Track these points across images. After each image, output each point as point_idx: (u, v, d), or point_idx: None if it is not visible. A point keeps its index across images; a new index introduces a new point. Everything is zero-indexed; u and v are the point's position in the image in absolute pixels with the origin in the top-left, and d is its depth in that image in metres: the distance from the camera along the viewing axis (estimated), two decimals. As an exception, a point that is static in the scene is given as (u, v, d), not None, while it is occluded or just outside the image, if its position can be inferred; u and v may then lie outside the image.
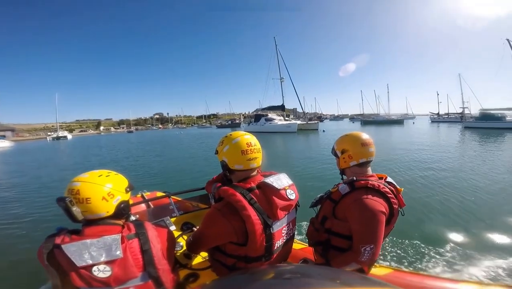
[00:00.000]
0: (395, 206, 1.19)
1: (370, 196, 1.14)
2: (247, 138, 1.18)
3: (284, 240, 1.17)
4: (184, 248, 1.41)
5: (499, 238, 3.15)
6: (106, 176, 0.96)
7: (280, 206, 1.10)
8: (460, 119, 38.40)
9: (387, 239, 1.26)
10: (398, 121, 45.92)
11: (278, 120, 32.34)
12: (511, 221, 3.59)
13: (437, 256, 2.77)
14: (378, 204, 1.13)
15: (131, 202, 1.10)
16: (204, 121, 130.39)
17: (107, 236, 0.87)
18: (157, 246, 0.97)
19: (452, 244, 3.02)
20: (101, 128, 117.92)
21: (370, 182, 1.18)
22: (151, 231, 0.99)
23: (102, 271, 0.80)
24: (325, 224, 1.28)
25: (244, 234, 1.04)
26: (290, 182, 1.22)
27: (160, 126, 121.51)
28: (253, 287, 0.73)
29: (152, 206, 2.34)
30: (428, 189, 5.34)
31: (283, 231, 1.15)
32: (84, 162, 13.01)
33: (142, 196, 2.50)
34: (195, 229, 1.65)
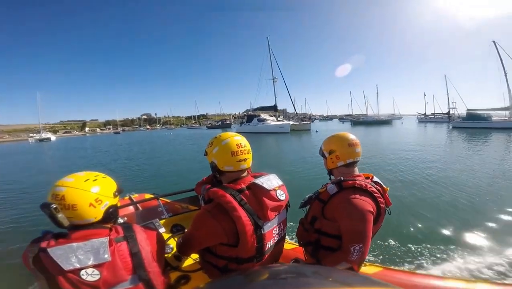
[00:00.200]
0: (382, 205, 1.23)
1: (357, 196, 1.17)
2: (237, 139, 1.19)
3: (275, 241, 1.18)
4: (175, 250, 1.42)
5: (484, 236, 3.27)
6: (93, 180, 0.93)
7: (270, 206, 1.11)
8: (446, 119, 40.49)
9: (374, 238, 1.30)
10: (387, 122, 47.52)
11: (270, 120, 32.45)
12: (496, 219, 3.73)
13: (424, 254, 2.86)
14: (366, 204, 1.16)
15: (118, 204, 1.09)
16: (194, 121, 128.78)
17: (94, 239, 0.86)
18: (146, 248, 0.96)
19: (438, 242, 3.12)
20: (87, 129, 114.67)
21: (357, 182, 1.21)
22: (140, 234, 0.99)
23: (90, 275, 0.80)
24: (315, 224, 1.31)
25: (235, 235, 1.05)
26: (280, 182, 1.23)
27: (148, 127, 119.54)
28: (251, 287, 0.74)
29: (140, 208, 2.32)
30: (416, 188, 5.49)
31: (274, 232, 1.16)
32: (69, 165, 12.63)
33: (130, 198, 2.47)
34: (185, 231, 1.64)
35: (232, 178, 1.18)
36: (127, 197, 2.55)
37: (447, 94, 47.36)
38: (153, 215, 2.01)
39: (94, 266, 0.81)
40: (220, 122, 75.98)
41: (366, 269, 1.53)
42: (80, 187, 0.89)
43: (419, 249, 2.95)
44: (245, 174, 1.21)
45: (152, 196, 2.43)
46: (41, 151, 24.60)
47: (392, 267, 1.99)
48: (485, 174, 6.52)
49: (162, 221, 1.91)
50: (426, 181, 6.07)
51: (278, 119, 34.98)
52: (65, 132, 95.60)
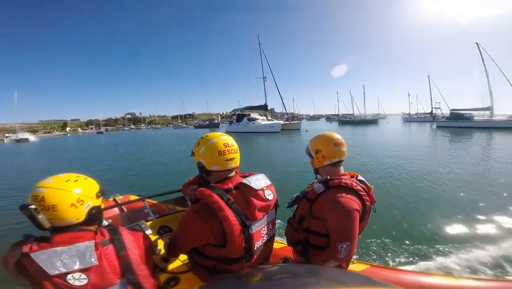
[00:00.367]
0: (368, 204, 1.28)
1: (344, 194, 1.21)
2: (223, 138, 1.20)
3: (264, 241, 1.19)
4: (162, 251, 1.41)
5: (466, 232, 3.43)
6: (74, 180, 0.92)
7: (258, 206, 1.12)
8: (430, 118, 42.37)
9: (360, 236, 1.35)
10: (373, 121, 49.20)
11: (261, 120, 32.44)
12: (478, 215, 3.92)
13: (409, 251, 2.97)
14: (352, 202, 1.20)
15: (102, 206, 1.07)
16: (180, 121, 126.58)
17: (79, 243, 0.85)
18: (134, 251, 0.96)
19: (423, 239, 3.25)
20: (68, 129, 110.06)
21: (343, 180, 1.25)
22: (127, 236, 0.98)
23: (78, 279, 0.79)
24: (303, 224, 1.33)
25: (222, 235, 1.05)
26: (269, 182, 1.24)
27: (133, 126, 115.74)
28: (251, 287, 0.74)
29: (125, 210, 2.28)
30: (402, 186, 5.70)
31: (262, 232, 1.17)
32: (49, 168, 12.03)
33: (115, 200, 2.43)
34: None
35: (219, 178, 1.18)
36: (111, 199, 2.51)
37: (430, 94, 49.83)
38: (139, 217, 1.98)
39: (81, 270, 0.81)
40: (208, 122, 74.90)
41: (354, 266, 1.57)
42: (61, 188, 0.88)
43: (404, 246, 3.05)
44: (232, 174, 1.21)
45: (138, 197, 2.39)
46: (19, 152, 23.44)
47: (378, 264, 2.06)
48: (467, 171, 6.85)
49: (148, 223, 1.89)
50: (411, 179, 6.30)
51: (268, 118, 35.09)
52: (45, 132, 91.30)
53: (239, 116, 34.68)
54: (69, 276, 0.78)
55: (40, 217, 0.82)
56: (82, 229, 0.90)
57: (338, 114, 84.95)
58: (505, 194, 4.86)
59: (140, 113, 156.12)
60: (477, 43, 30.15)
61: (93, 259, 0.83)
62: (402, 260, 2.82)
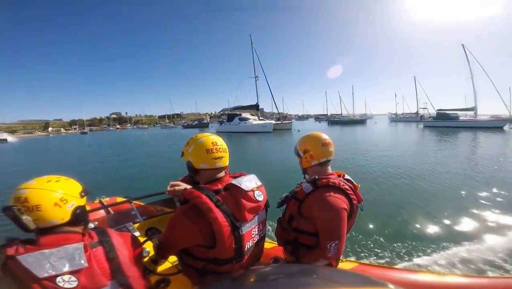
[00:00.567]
0: (355, 202, 1.32)
1: (332, 194, 1.24)
2: (212, 138, 1.22)
3: (254, 241, 1.21)
4: (151, 253, 1.42)
5: (453, 229, 3.57)
6: (56, 181, 0.92)
7: (248, 207, 1.12)
8: (416, 118, 44.75)
9: (348, 234, 1.41)
10: (362, 121, 50.76)
11: (252, 119, 32.39)
12: (465, 213, 4.06)
13: (397, 248, 3.06)
14: (340, 201, 1.23)
15: (88, 208, 1.07)
16: (168, 121, 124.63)
17: (68, 245, 0.85)
18: (124, 253, 0.96)
19: (409, 236, 3.35)
20: (50, 129, 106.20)
21: (331, 180, 1.29)
22: (116, 238, 0.99)
23: (67, 282, 0.79)
24: (292, 223, 1.36)
25: (212, 237, 1.06)
26: (259, 183, 1.26)
27: (118, 126, 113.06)
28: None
29: (112, 212, 2.24)
30: (390, 184, 5.87)
31: (253, 232, 1.19)
32: (30, 170, 11.52)
33: (101, 202, 2.38)
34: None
35: (208, 177, 1.19)
36: (97, 201, 2.47)
37: (416, 95, 52.53)
38: (126, 219, 1.96)
39: (71, 273, 0.80)
40: (197, 121, 73.77)
41: (343, 265, 1.61)
42: (43, 188, 0.88)
43: (391, 244, 3.15)
44: (222, 174, 1.23)
45: (124, 199, 2.36)
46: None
47: (367, 262, 2.14)
48: (455, 170, 7.12)
49: (136, 225, 1.88)
50: (398, 177, 6.48)
51: (260, 118, 35.11)
52: (25, 133, 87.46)
53: (230, 115, 34.54)
54: (58, 279, 0.78)
55: (25, 218, 0.82)
56: (69, 231, 0.91)
57: (327, 114, 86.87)
58: (493, 191, 5.07)
59: (126, 113, 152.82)
60: (463, 45, 31.41)
61: (82, 261, 0.83)
62: (390, 257, 2.90)
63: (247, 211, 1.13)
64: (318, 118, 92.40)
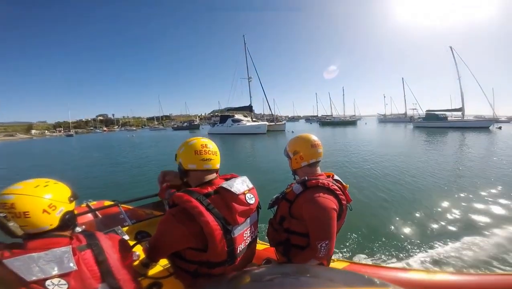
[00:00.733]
0: (344, 202, 1.35)
1: (321, 194, 1.27)
2: (203, 140, 1.24)
3: (247, 243, 1.22)
4: (142, 256, 1.42)
5: (440, 228, 3.66)
6: (44, 186, 0.91)
7: (239, 211, 1.13)
8: (404, 118, 47.53)
9: (338, 234, 1.44)
10: (352, 122, 52.55)
11: (246, 121, 32.34)
12: (452, 211, 4.21)
13: (386, 247, 3.13)
14: (329, 202, 1.26)
15: (76, 212, 1.06)
16: (157, 122, 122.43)
17: (56, 248, 0.84)
18: (113, 256, 0.96)
19: (398, 235, 3.43)
20: (33, 131, 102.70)
21: (320, 180, 1.32)
22: (105, 241, 0.99)
23: (57, 285, 0.79)
24: (284, 224, 1.38)
25: (203, 239, 1.07)
26: (251, 185, 1.27)
27: (105, 128, 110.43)
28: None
29: (100, 216, 2.22)
30: (379, 184, 5.98)
31: (245, 235, 1.20)
32: (13, 175, 11.06)
33: (88, 206, 2.35)
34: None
35: (198, 179, 1.20)
36: (84, 205, 2.43)
37: (404, 96, 54.88)
38: (115, 223, 1.95)
39: (60, 276, 0.80)
40: (187, 123, 72.82)
41: (335, 264, 1.64)
42: (31, 194, 0.86)
43: (381, 243, 3.22)
44: (212, 176, 1.23)
45: (112, 202, 2.34)
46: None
47: (357, 261, 2.18)
48: (444, 168, 7.37)
49: (125, 229, 1.87)
50: (390, 177, 6.63)
51: (253, 120, 35.10)
52: (6, 135, 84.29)
53: (223, 117, 34.36)
54: (48, 282, 0.78)
55: (12, 224, 0.81)
56: (56, 235, 0.90)
57: (317, 115, 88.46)
58: (482, 189, 5.25)
59: (113, 115, 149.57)
60: (451, 47, 32.59)
61: (71, 264, 0.83)
62: (380, 256, 2.96)
63: (239, 214, 1.14)
64: (308, 119, 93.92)
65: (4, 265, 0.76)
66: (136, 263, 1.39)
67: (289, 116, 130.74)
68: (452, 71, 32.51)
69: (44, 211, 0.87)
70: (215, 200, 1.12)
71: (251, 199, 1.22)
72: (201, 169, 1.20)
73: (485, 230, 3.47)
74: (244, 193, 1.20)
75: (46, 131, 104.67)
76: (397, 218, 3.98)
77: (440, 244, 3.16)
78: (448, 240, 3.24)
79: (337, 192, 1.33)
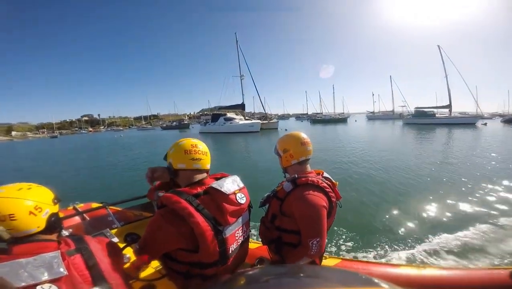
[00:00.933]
0: (334, 200, 1.38)
1: (311, 192, 1.29)
2: (193, 141, 1.25)
3: (239, 243, 1.22)
4: (132, 259, 1.40)
5: (429, 223, 3.77)
6: (28, 188, 0.91)
7: (230, 211, 1.13)
8: (392, 116, 49.79)
9: (329, 231, 1.47)
10: (343, 120, 53.56)
11: (238, 119, 32.14)
12: (441, 206, 4.33)
13: (377, 243, 3.20)
14: (319, 199, 1.28)
15: (61, 215, 1.05)
16: (145, 122, 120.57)
17: (44, 253, 0.83)
18: (104, 260, 0.95)
19: (388, 232, 3.52)
20: (14, 133, 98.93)
21: (310, 178, 1.34)
22: (94, 245, 0.97)
23: None
24: (275, 222, 1.40)
25: (194, 240, 1.06)
26: (241, 185, 1.28)
27: (91, 129, 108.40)
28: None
29: (87, 218, 2.19)
30: (369, 180, 6.11)
31: (236, 235, 1.20)
32: None
33: (75, 209, 2.31)
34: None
35: (187, 179, 1.20)
36: (70, 208, 2.39)
37: (392, 94, 56.94)
38: (103, 225, 1.92)
39: (51, 281, 0.79)
40: (176, 122, 71.89)
41: (327, 262, 1.68)
42: (15, 196, 0.86)
43: (371, 239, 3.29)
44: (202, 176, 1.23)
45: (100, 204, 2.31)
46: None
47: (348, 258, 2.23)
48: (434, 164, 7.58)
49: (113, 231, 1.85)
50: (378, 172, 6.79)
51: (246, 118, 35.00)
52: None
53: (215, 115, 34.01)
54: (38, 288, 0.76)
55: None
56: (43, 239, 0.89)
57: (307, 113, 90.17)
58: (468, 185, 5.46)
59: (99, 115, 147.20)
60: (438, 46, 33.58)
61: (61, 269, 0.82)
62: (370, 252, 3.03)
63: (229, 215, 1.14)
64: (299, 117, 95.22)
65: None
66: (127, 265, 1.38)
67: (279, 114, 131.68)
68: (439, 69, 33.60)
69: (31, 213, 0.86)
70: (205, 201, 1.11)
71: (242, 198, 1.22)
72: (191, 168, 1.20)
73: (472, 225, 3.58)
74: (234, 193, 1.20)
75: (29, 133, 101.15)
76: (387, 215, 4.07)
77: (429, 239, 3.25)
78: (436, 235, 3.33)
79: (327, 189, 1.35)
